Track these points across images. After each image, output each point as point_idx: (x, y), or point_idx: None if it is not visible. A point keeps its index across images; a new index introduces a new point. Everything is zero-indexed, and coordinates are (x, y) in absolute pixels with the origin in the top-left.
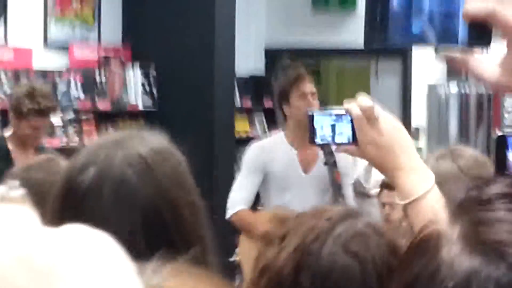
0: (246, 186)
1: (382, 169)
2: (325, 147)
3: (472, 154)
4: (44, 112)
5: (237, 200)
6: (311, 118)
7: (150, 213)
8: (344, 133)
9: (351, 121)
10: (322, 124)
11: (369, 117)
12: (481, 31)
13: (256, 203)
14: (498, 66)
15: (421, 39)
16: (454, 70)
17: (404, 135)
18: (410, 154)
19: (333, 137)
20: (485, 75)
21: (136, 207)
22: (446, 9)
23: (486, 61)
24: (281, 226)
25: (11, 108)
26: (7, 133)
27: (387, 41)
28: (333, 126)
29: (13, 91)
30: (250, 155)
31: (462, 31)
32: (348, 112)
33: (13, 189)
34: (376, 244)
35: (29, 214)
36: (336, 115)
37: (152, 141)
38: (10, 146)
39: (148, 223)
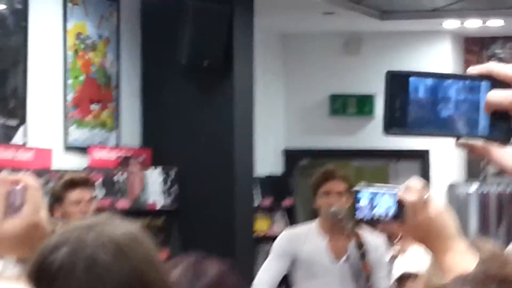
0: (271, 270)
1: (428, 250)
2: (356, 238)
3: (491, 247)
4: (79, 183)
5: (260, 284)
6: (356, 194)
7: None
8: (387, 210)
9: (396, 198)
10: (365, 200)
11: (421, 200)
12: (502, 124)
13: None
14: None
15: (447, 129)
16: (475, 158)
17: (451, 218)
18: (457, 237)
19: (375, 214)
20: (508, 165)
21: (107, 285)
22: (468, 97)
23: (509, 151)
24: None
25: (50, 201)
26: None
27: (407, 129)
28: (376, 203)
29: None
30: (281, 240)
31: (483, 122)
32: (402, 197)
33: (9, 267)
34: None
35: None
36: (381, 192)
37: (123, 225)
38: None
39: None
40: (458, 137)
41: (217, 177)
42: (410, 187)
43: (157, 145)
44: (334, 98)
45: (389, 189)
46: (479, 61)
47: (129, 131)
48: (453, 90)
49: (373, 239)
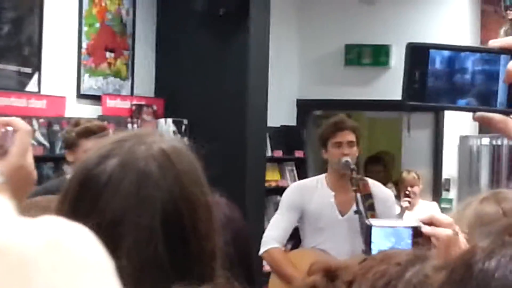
0: (280, 224)
1: None
2: (361, 188)
3: None
4: (94, 131)
5: (270, 238)
6: (369, 229)
7: (169, 209)
8: (403, 246)
9: (413, 235)
10: (380, 237)
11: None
12: None
13: (299, 242)
14: None
15: (465, 102)
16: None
17: None
18: None
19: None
20: None
21: (157, 201)
22: (487, 69)
23: None
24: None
25: (65, 146)
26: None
27: (426, 100)
28: (392, 241)
29: (63, 137)
30: (288, 194)
31: (501, 95)
32: (432, 233)
33: None
34: None
35: (5, 204)
36: (396, 228)
37: (170, 139)
38: None
39: (167, 219)
40: (476, 110)
41: (230, 127)
42: (438, 221)
43: (170, 94)
44: (349, 48)
45: (405, 224)
46: (497, 12)
47: (143, 80)
48: (472, 63)
49: (382, 191)
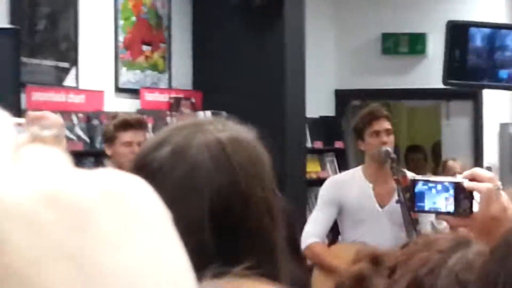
0: (320, 219)
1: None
2: (401, 181)
3: None
4: (132, 124)
5: (310, 233)
6: (414, 184)
7: (219, 201)
8: (446, 204)
9: (455, 190)
10: (424, 192)
11: (497, 189)
12: None
13: (337, 236)
14: None
15: (506, 81)
16: None
17: None
18: None
19: (434, 207)
20: None
21: (206, 193)
22: None
23: None
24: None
25: (104, 140)
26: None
27: (466, 78)
28: (435, 195)
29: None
30: (326, 189)
31: None
32: (473, 187)
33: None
34: None
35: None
36: (439, 183)
37: (233, 128)
38: None
39: (216, 212)
40: None
41: (268, 119)
42: (480, 176)
43: (208, 87)
44: (386, 37)
45: (448, 179)
46: None
47: (180, 73)
48: None
49: None
